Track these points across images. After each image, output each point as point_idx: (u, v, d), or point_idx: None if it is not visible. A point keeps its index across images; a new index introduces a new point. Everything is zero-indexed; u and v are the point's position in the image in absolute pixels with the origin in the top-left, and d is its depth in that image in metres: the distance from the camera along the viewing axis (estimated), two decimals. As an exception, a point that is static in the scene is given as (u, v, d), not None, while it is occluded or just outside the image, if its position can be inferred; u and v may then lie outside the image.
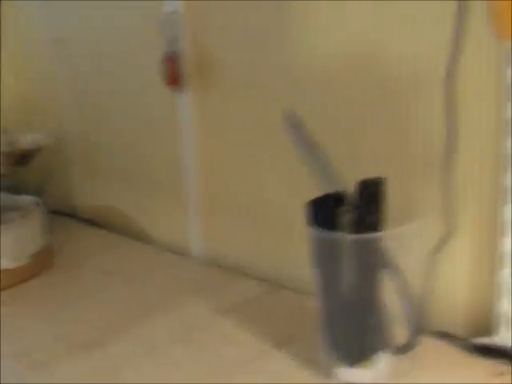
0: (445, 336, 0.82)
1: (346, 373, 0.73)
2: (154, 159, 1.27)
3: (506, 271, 0.76)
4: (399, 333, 0.72)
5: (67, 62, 1.41)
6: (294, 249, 1.02)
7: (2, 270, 1.08)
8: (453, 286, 0.83)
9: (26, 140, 1.34)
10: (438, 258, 0.83)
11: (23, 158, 1.35)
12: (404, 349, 0.72)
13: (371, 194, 0.68)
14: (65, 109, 1.44)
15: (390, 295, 0.71)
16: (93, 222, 1.46)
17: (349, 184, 0.71)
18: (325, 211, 0.70)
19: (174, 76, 1.11)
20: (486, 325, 0.80)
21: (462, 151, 0.78)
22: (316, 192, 0.71)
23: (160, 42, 1.11)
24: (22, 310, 1.01)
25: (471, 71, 0.75)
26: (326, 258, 0.71)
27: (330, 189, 0.72)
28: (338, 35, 0.88)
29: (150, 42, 1.16)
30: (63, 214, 1.50)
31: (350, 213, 0.69)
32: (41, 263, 1.16)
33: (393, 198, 0.71)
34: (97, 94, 1.37)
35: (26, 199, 1.26)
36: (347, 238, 0.68)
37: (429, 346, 0.78)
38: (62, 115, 1.45)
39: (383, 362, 0.72)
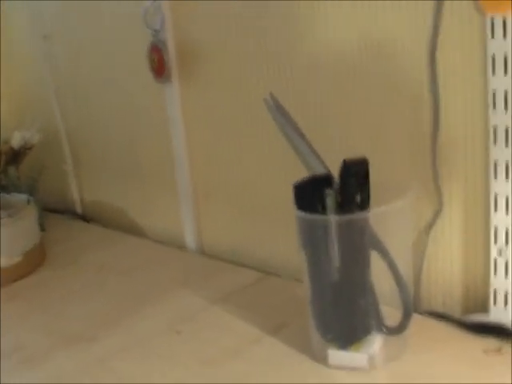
0: (439, 315, 0.81)
1: (338, 356, 0.72)
2: (145, 151, 1.26)
3: (499, 245, 0.75)
4: (391, 314, 0.72)
5: (54, 59, 1.41)
6: (285, 235, 1.01)
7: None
8: (445, 263, 0.82)
9: (17, 138, 1.33)
10: (428, 235, 0.82)
11: (14, 156, 1.34)
12: (397, 330, 0.71)
13: (356, 173, 0.67)
14: (54, 105, 1.43)
15: (379, 276, 0.70)
16: (86, 218, 1.46)
17: (334, 165, 0.70)
18: (311, 193, 0.69)
19: (160, 66, 1.10)
20: (481, 301, 0.79)
21: (449, 126, 0.77)
22: (303, 175, 0.71)
23: (145, 32, 1.10)
24: (15, 307, 1.01)
25: (455, 46, 0.74)
26: (314, 241, 0.70)
27: (315, 171, 0.71)
28: (321, 22, 0.87)
29: (135, 33, 1.15)
30: (57, 211, 1.50)
31: (335, 194, 0.68)
32: (34, 261, 1.16)
33: (379, 177, 0.70)
34: (85, 88, 1.36)
35: (17, 197, 1.26)
36: (334, 219, 0.67)
37: (423, 326, 0.77)
38: (51, 112, 1.44)
39: (376, 344, 0.71)
